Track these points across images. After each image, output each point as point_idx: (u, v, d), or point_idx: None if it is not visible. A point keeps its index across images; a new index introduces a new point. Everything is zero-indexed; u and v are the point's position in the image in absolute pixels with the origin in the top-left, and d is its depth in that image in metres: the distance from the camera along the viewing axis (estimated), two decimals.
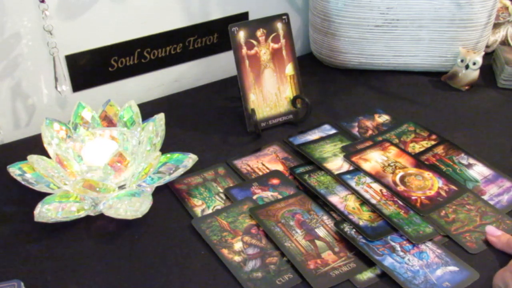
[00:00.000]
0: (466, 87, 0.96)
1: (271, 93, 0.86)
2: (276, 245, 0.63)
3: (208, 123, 0.88)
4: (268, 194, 0.72)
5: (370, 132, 0.84)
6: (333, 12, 0.96)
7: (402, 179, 0.72)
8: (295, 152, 0.80)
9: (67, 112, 0.86)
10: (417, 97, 0.95)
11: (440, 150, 0.79)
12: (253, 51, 0.84)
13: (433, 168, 0.74)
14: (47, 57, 0.81)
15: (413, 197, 0.69)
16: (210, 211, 0.69)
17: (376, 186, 0.71)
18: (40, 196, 0.67)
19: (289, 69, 0.87)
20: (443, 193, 0.70)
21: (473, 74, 0.95)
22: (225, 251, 0.63)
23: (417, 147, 0.80)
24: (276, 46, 0.86)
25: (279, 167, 0.77)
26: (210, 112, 0.91)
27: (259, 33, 0.84)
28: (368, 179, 0.72)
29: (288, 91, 0.87)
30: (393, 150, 0.78)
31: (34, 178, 0.70)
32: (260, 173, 0.76)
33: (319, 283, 0.58)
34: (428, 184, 0.71)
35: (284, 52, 0.86)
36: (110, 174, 0.68)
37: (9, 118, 0.85)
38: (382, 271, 0.60)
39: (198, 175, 0.75)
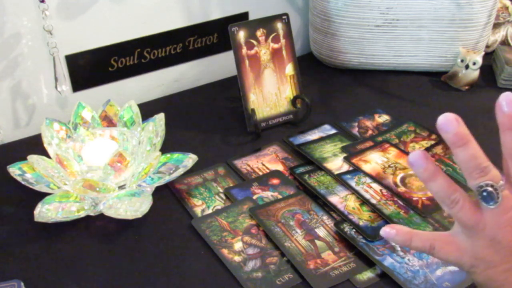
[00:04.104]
0: (466, 87, 0.96)
1: (271, 93, 0.86)
2: (276, 245, 0.63)
3: (208, 123, 0.88)
4: (268, 194, 0.72)
5: (370, 132, 0.84)
6: (333, 12, 0.96)
7: (402, 180, 0.72)
8: (295, 152, 0.80)
9: (67, 112, 0.86)
10: (417, 97, 0.95)
11: (439, 150, 0.79)
12: (253, 51, 0.84)
13: None
14: (47, 57, 0.81)
15: (414, 198, 0.69)
16: (210, 211, 0.69)
17: (376, 186, 0.71)
18: (40, 196, 0.67)
19: (289, 69, 0.87)
20: None
21: (473, 74, 0.95)
22: (225, 251, 0.63)
23: (417, 147, 0.80)
24: (276, 46, 0.86)
25: (279, 167, 0.77)
26: (210, 112, 0.91)
27: (259, 33, 0.84)
28: (368, 179, 0.72)
29: (288, 91, 0.87)
30: (393, 151, 0.78)
31: (34, 178, 0.70)
32: (260, 173, 0.76)
33: (319, 283, 0.58)
34: None
35: (284, 52, 0.86)
36: (110, 174, 0.68)
37: (9, 118, 0.85)
38: (382, 271, 0.60)
39: (198, 175, 0.75)
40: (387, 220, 0.66)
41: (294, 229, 0.65)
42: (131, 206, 0.66)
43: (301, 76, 0.88)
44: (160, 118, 0.76)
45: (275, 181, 0.74)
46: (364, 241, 0.63)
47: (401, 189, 0.71)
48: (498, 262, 0.44)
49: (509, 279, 0.44)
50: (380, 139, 0.82)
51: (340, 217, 0.67)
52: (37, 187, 0.69)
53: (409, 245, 0.48)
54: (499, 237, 0.44)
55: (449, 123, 0.45)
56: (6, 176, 0.71)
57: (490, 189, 0.44)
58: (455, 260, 0.47)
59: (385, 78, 1.00)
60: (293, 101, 0.87)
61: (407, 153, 0.78)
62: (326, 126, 0.86)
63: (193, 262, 0.62)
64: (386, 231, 0.48)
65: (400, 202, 0.68)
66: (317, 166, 0.76)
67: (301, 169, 0.75)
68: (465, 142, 0.44)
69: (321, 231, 0.65)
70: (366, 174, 0.73)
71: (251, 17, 1.01)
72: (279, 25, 0.85)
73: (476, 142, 0.44)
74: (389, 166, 0.75)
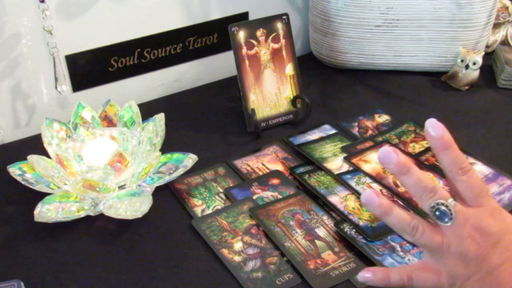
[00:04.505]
0: (466, 87, 0.96)
1: (271, 93, 0.86)
2: (276, 245, 0.63)
3: (208, 123, 0.88)
4: (268, 194, 0.72)
5: (370, 132, 0.84)
6: (333, 12, 0.96)
7: None
8: (295, 152, 0.80)
9: (67, 112, 0.86)
10: (417, 97, 0.95)
11: None
12: (253, 51, 0.84)
13: (433, 168, 0.74)
14: (47, 57, 0.81)
15: (414, 198, 0.69)
16: (210, 211, 0.69)
17: (376, 186, 0.71)
18: (40, 196, 0.67)
19: (289, 69, 0.87)
20: None
21: (473, 74, 0.95)
22: (225, 251, 0.63)
23: (417, 147, 0.80)
24: (276, 46, 0.86)
25: (279, 167, 0.77)
26: (210, 112, 0.91)
27: (259, 33, 0.84)
28: (368, 179, 0.72)
29: (288, 91, 0.87)
30: None
31: (34, 178, 0.70)
32: (260, 173, 0.76)
33: (319, 283, 0.58)
34: None
35: (284, 52, 0.86)
36: (110, 174, 0.68)
37: (9, 118, 0.85)
38: None
39: (198, 175, 0.75)
40: None
41: (294, 229, 0.65)
42: (131, 206, 0.66)
43: (301, 76, 0.88)
44: (160, 118, 0.76)
45: (275, 181, 0.74)
46: (364, 241, 0.63)
47: (401, 189, 0.71)
48: (471, 273, 0.46)
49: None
50: (380, 139, 0.81)
51: (340, 217, 0.67)
52: (37, 187, 0.69)
53: (389, 283, 0.49)
54: (464, 250, 0.45)
55: (388, 155, 0.46)
56: (6, 176, 0.71)
57: (442, 207, 0.45)
58: (434, 284, 0.48)
59: (385, 78, 1.00)
60: (293, 101, 0.87)
61: (407, 153, 0.78)
62: (326, 126, 0.86)
63: (193, 262, 0.62)
64: (363, 276, 0.50)
65: (400, 202, 0.68)
66: (317, 166, 0.76)
67: (301, 169, 0.75)
68: (408, 170, 0.46)
69: (321, 231, 0.65)
70: (366, 174, 0.73)
71: (251, 17, 1.01)
72: (279, 25, 0.85)
73: (417, 168, 0.46)
74: None
